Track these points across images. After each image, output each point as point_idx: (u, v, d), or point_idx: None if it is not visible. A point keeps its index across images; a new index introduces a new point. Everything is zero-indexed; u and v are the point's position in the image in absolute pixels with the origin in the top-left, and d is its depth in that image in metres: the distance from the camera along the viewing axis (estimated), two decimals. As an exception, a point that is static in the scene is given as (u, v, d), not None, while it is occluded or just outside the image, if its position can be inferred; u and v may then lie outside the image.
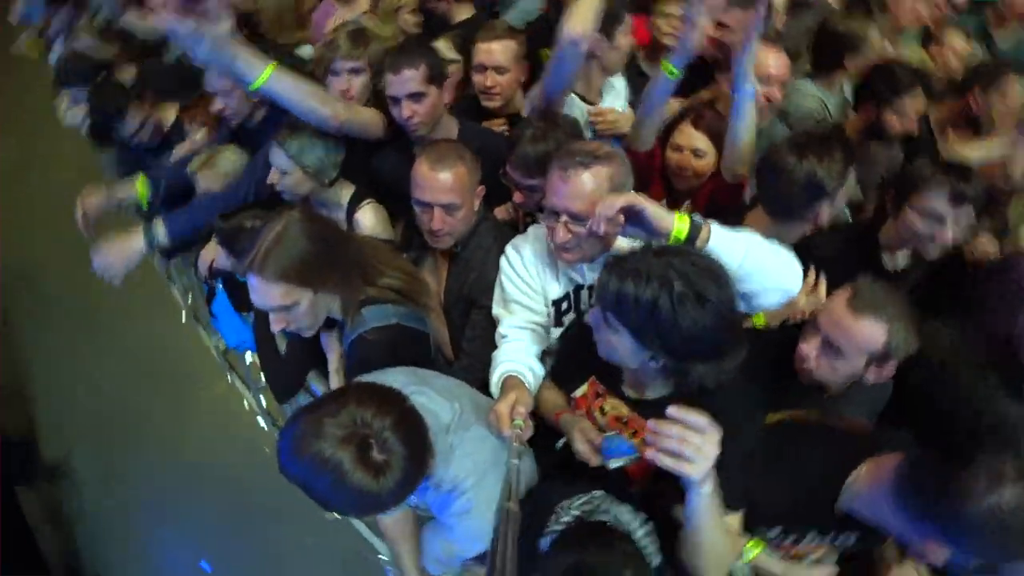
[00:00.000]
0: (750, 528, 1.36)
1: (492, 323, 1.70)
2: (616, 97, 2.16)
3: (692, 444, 0.95)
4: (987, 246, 1.92)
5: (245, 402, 3.23)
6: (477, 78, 2.14)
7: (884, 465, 1.20)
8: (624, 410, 1.35)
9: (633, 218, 1.25)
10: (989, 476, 0.99)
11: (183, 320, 3.71)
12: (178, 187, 2.27)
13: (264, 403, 3.07)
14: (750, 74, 1.74)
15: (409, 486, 1.13)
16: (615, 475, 1.32)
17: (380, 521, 1.62)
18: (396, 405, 1.13)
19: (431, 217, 1.66)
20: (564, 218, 1.43)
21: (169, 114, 2.55)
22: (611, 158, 1.46)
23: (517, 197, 1.76)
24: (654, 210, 1.26)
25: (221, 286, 2.25)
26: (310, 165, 1.86)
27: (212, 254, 2.04)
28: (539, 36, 2.20)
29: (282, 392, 1.91)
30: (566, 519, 1.25)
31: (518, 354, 1.59)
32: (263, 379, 3.08)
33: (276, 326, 1.49)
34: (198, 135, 2.43)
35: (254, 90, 1.69)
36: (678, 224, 1.24)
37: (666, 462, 0.97)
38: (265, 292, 1.40)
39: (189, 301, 3.65)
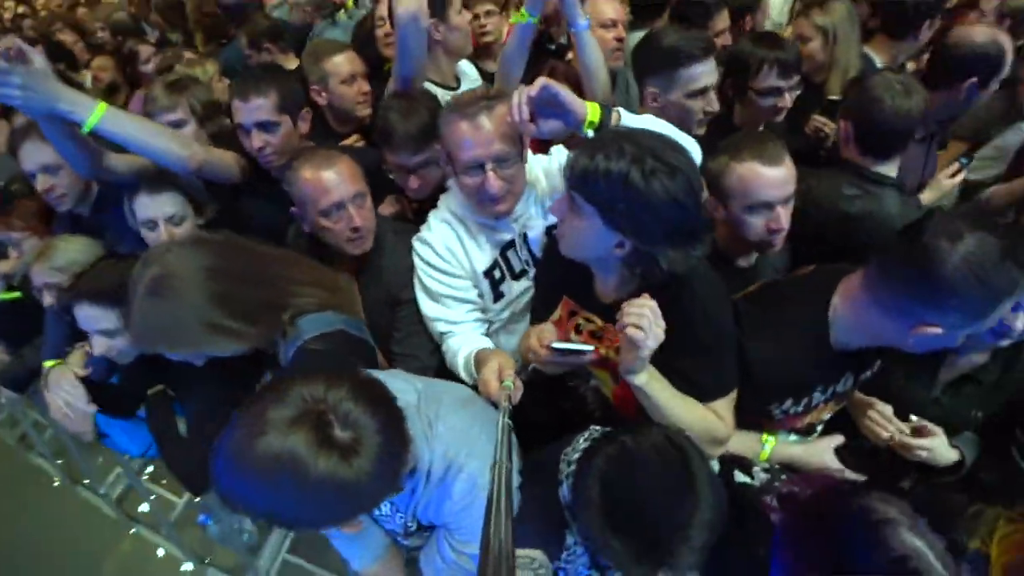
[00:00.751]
0: (763, 407, 1.30)
1: (419, 317, 1.60)
2: (471, 84, 2.15)
3: (647, 318, 1.05)
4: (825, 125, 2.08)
5: (160, 550, 2.69)
6: (347, 91, 2.12)
7: (852, 284, 1.19)
8: (598, 322, 1.29)
9: (549, 105, 1.26)
10: (948, 234, 1.01)
11: (55, 484, 3.10)
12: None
13: (182, 543, 2.57)
14: (579, 12, 1.76)
15: (391, 469, 0.91)
16: (609, 416, 1.30)
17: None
18: (348, 376, 0.92)
19: (349, 217, 1.51)
20: (490, 165, 1.36)
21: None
22: (502, 97, 1.41)
23: (413, 183, 1.66)
24: (569, 94, 1.26)
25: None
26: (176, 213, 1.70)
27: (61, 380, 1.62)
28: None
29: (199, 483, 1.58)
30: (576, 456, 1.13)
31: (473, 339, 1.52)
32: (173, 513, 2.68)
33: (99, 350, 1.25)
34: (24, 244, 2.04)
35: (88, 130, 1.47)
36: (591, 109, 1.27)
37: (630, 332, 1.05)
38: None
39: (58, 462, 3.09)
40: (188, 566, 2.60)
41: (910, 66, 2.41)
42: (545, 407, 1.49)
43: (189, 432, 1.56)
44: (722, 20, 2.43)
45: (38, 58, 1.38)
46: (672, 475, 0.98)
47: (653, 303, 1.07)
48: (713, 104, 1.74)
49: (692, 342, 1.19)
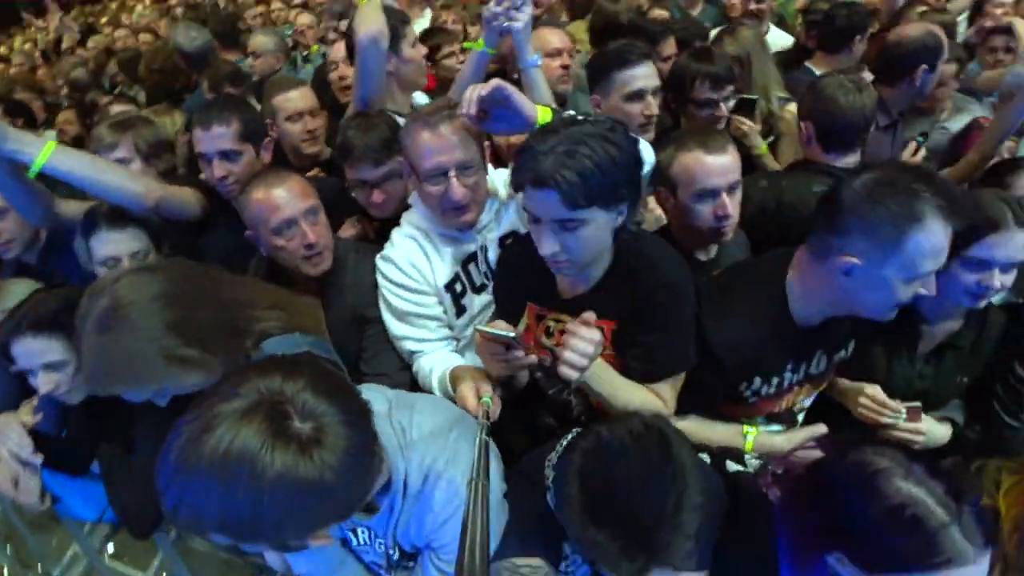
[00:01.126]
0: (733, 388, 1.27)
1: (387, 336, 1.57)
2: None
3: (589, 356, 1.07)
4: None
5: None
6: (293, 128, 2.13)
7: (800, 254, 1.22)
8: (567, 319, 1.27)
9: (501, 105, 1.28)
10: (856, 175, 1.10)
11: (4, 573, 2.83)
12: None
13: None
14: (529, 49, 1.77)
15: (360, 465, 0.83)
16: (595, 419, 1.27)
17: None
18: (307, 365, 0.85)
19: (302, 233, 1.48)
20: (453, 172, 1.37)
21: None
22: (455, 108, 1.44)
23: (376, 197, 1.65)
24: (520, 96, 1.30)
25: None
26: (140, 249, 1.64)
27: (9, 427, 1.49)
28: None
29: (144, 522, 1.46)
30: (556, 458, 1.09)
31: (446, 357, 1.52)
32: None
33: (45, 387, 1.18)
34: None
35: (38, 169, 1.45)
36: (542, 112, 1.31)
37: (565, 372, 1.07)
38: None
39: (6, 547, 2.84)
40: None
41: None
42: (524, 430, 1.46)
43: (138, 469, 1.44)
44: (668, 46, 2.56)
45: None
46: (652, 459, 0.91)
47: (598, 336, 1.09)
48: (652, 108, 1.83)
49: (653, 318, 1.21)
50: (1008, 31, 2.66)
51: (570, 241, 1.13)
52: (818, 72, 2.42)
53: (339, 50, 2.37)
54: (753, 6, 3.01)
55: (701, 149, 1.46)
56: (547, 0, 3.48)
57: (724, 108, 1.97)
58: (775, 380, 1.27)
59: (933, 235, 1.03)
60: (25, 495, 1.46)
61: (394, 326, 1.53)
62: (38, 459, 1.42)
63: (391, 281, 1.51)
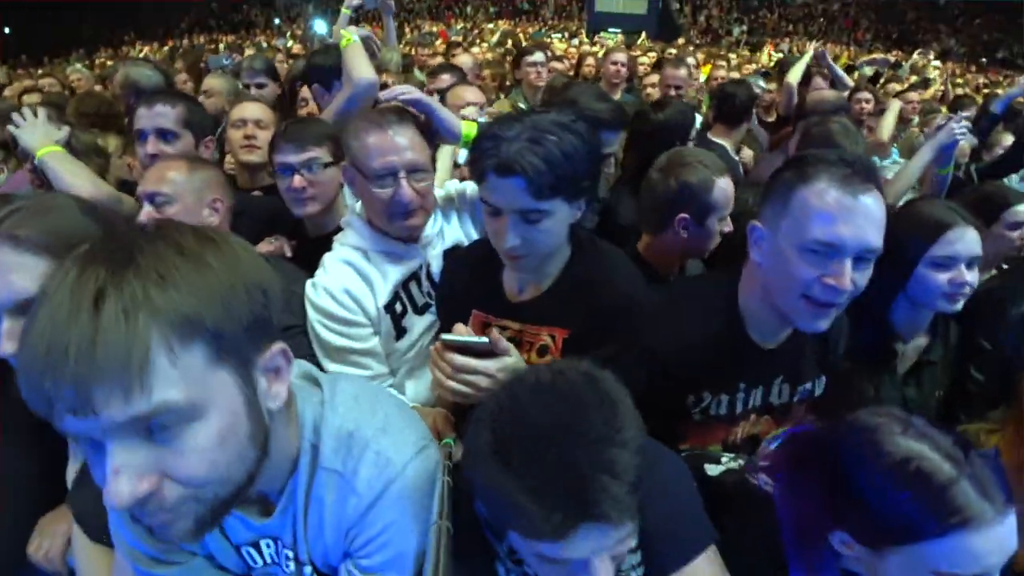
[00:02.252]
0: (680, 401, 1.17)
1: (308, 344, 1.39)
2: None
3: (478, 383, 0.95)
4: None
5: None
6: (235, 134, 2.05)
7: (749, 268, 1.14)
8: (514, 326, 1.20)
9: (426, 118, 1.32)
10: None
11: None
12: None
13: None
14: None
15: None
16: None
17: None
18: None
19: None
20: (403, 173, 1.31)
21: None
22: (408, 115, 1.41)
23: (298, 182, 1.55)
24: (443, 111, 1.34)
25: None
26: None
27: None
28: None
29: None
30: None
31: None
32: None
33: (8, 346, 0.88)
34: None
35: (37, 159, 1.64)
36: (467, 127, 1.35)
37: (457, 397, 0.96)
38: (7, 271, 0.88)
39: None
40: None
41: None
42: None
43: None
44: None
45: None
46: (579, 392, 0.73)
47: (502, 370, 0.95)
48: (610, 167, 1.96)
49: (608, 331, 1.12)
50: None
51: (532, 234, 1.06)
52: (722, 142, 2.72)
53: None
54: (672, 92, 3.24)
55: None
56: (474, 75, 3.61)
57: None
58: (726, 399, 1.18)
59: (822, 194, 0.97)
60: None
61: (329, 366, 1.37)
62: None
63: (321, 311, 1.36)
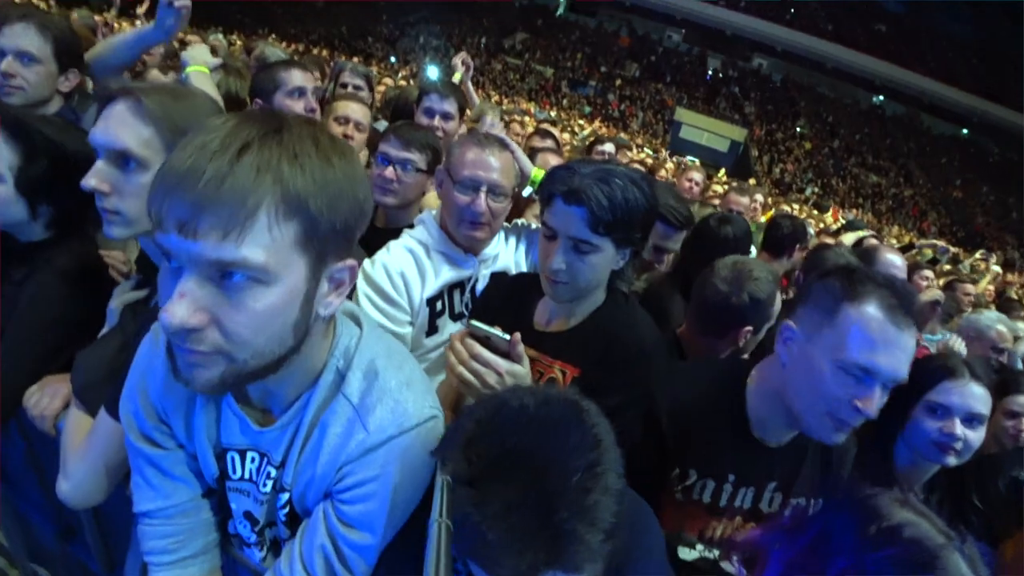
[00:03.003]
0: (666, 472, 1.18)
1: None
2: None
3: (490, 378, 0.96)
4: None
5: None
6: (334, 128, 2.17)
7: (771, 362, 1.16)
8: (531, 351, 1.23)
9: None
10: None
11: None
12: None
13: None
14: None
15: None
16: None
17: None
18: None
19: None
20: (485, 188, 1.45)
21: None
22: (510, 148, 1.58)
23: (390, 173, 1.70)
24: (520, 153, 1.52)
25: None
26: None
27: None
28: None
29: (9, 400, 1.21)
30: None
31: None
32: None
33: (92, 180, 0.98)
34: None
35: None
36: (536, 172, 1.54)
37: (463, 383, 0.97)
38: (120, 123, 0.98)
39: None
40: None
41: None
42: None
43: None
44: None
45: None
46: (562, 422, 0.69)
47: (510, 374, 0.97)
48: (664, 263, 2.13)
49: (618, 382, 1.16)
50: None
51: (577, 263, 1.15)
52: None
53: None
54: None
55: None
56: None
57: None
58: (712, 485, 1.17)
59: (870, 320, 0.98)
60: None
61: None
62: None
63: (372, 284, 1.48)
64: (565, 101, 24.22)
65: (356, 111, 2.22)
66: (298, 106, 1.91)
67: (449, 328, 1.53)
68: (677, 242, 2.06)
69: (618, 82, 26.23)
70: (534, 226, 1.72)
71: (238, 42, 9.91)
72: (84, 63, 1.79)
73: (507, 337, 0.96)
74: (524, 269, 1.63)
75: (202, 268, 0.62)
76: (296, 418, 0.80)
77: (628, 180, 1.12)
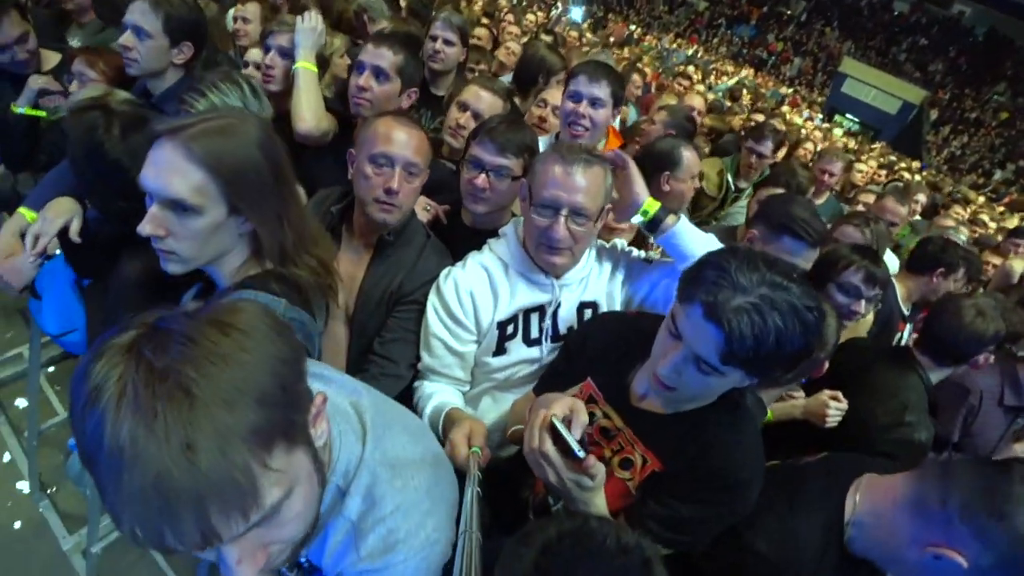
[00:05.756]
0: None
1: (412, 325, 1.47)
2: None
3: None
4: None
5: (7, 455, 2.34)
6: (455, 113, 2.06)
7: (881, 489, 1.07)
8: (617, 421, 1.13)
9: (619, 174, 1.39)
10: None
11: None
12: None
13: (35, 461, 2.23)
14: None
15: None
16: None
17: None
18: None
19: (391, 176, 1.39)
20: (565, 211, 1.31)
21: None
22: (603, 162, 1.37)
23: (481, 182, 1.55)
24: (637, 175, 1.39)
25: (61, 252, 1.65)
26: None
27: (67, 212, 1.46)
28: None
29: None
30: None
31: (449, 393, 1.44)
32: (48, 422, 2.35)
33: (148, 227, 0.99)
34: (88, 85, 1.93)
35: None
36: (650, 200, 1.39)
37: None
38: (171, 170, 0.97)
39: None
40: (24, 486, 2.23)
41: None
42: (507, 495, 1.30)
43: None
44: None
45: None
46: (624, 563, 0.72)
47: (572, 482, 0.92)
48: None
49: (699, 496, 1.06)
50: None
51: (692, 379, 0.97)
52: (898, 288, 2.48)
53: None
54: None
55: None
56: None
57: (863, 307, 1.84)
58: None
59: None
60: (12, 275, 1.42)
61: (422, 354, 1.46)
62: (51, 250, 1.37)
63: (440, 299, 1.43)
64: (716, 40, 22.02)
65: (488, 102, 2.03)
66: (352, 81, 1.89)
67: (519, 352, 1.43)
68: (808, 260, 1.81)
69: (784, 19, 23.15)
70: (635, 253, 1.52)
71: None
72: (201, 37, 1.89)
73: (581, 455, 0.90)
74: (618, 302, 1.46)
75: (236, 537, 0.60)
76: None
77: (792, 314, 0.88)
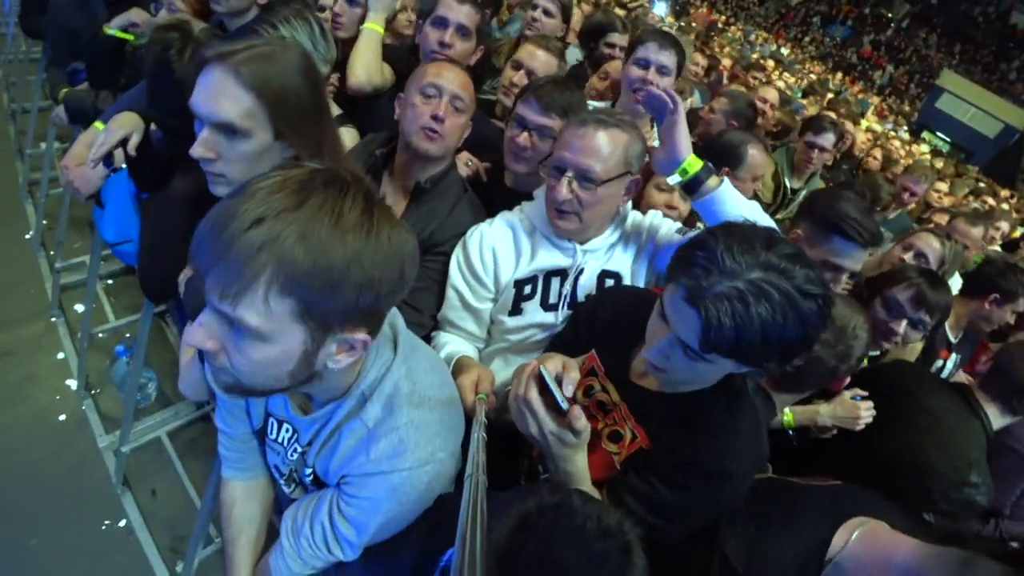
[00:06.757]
0: None
1: (439, 276, 1.48)
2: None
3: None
4: None
5: (60, 353, 2.52)
6: (511, 73, 2.05)
7: (896, 541, 0.97)
8: (614, 396, 1.12)
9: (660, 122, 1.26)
10: None
11: (28, 236, 3.02)
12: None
13: (85, 361, 2.40)
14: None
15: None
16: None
17: (224, 492, 1.12)
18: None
19: (438, 106, 1.41)
20: (570, 174, 1.29)
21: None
22: (630, 127, 1.34)
23: (524, 140, 1.55)
24: (684, 129, 1.25)
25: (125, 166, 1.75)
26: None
27: (129, 125, 1.53)
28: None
29: (158, 287, 1.51)
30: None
31: (461, 343, 1.46)
32: (99, 328, 2.53)
33: (199, 150, 1.03)
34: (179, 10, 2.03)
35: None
36: (692, 160, 1.25)
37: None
38: (221, 94, 1.00)
39: (44, 221, 3.04)
40: (72, 383, 2.40)
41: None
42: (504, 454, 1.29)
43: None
44: None
45: None
46: (607, 557, 0.69)
47: (552, 435, 0.93)
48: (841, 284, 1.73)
49: (681, 481, 1.03)
50: None
51: (681, 363, 0.92)
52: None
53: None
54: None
55: None
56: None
57: (902, 328, 1.73)
58: None
59: None
60: (80, 182, 1.53)
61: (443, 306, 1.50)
62: (117, 163, 1.45)
63: (465, 252, 1.44)
64: (806, 39, 20.88)
65: (543, 61, 2.03)
66: (434, 36, 1.87)
67: (535, 315, 1.42)
68: (857, 262, 1.69)
69: (884, 21, 21.69)
70: (664, 230, 1.47)
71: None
72: None
73: (565, 407, 0.90)
74: (642, 278, 1.43)
75: (215, 308, 0.68)
76: (323, 419, 0.91)
77: (785, 302, 0.81)
